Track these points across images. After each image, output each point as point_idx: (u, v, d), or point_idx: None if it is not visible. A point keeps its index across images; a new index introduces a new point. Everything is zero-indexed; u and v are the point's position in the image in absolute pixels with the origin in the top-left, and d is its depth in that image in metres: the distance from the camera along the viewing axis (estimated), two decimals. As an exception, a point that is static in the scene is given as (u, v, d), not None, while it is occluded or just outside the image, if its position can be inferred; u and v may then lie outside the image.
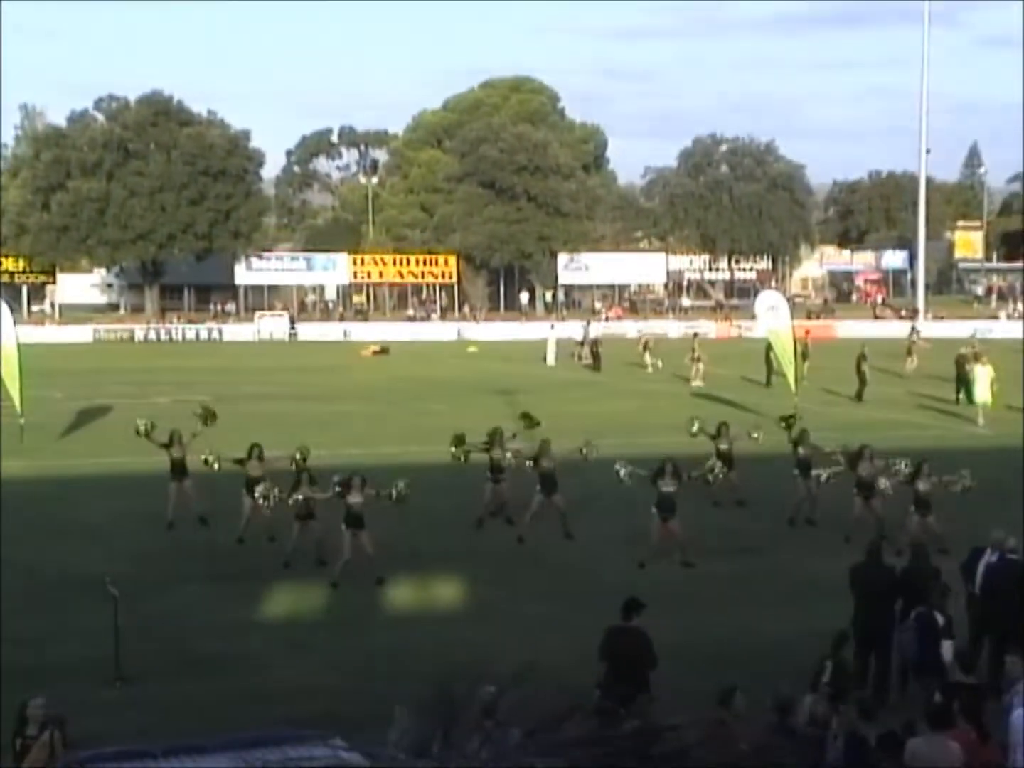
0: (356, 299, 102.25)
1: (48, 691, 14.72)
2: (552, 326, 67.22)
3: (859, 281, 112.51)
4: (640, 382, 51.42)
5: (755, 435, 25.37)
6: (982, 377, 37.45)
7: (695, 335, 54.32)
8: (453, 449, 24.21)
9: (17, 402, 34.14)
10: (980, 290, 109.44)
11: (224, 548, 22.24)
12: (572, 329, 68.13)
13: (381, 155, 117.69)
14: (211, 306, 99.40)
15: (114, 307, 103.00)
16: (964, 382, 42.42)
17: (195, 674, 16.02)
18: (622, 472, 22.15)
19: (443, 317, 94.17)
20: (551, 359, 60.34)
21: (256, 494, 21.62)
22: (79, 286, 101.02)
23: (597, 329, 65.07)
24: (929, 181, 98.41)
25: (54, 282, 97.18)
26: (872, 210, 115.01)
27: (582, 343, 61.06)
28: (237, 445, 24.46)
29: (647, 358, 56.38)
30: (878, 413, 39.95)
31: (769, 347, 45.84)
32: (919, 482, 21.51)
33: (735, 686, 11.34)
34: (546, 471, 23.11)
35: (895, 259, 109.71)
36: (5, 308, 36.84)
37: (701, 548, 21.81)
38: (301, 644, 17.23)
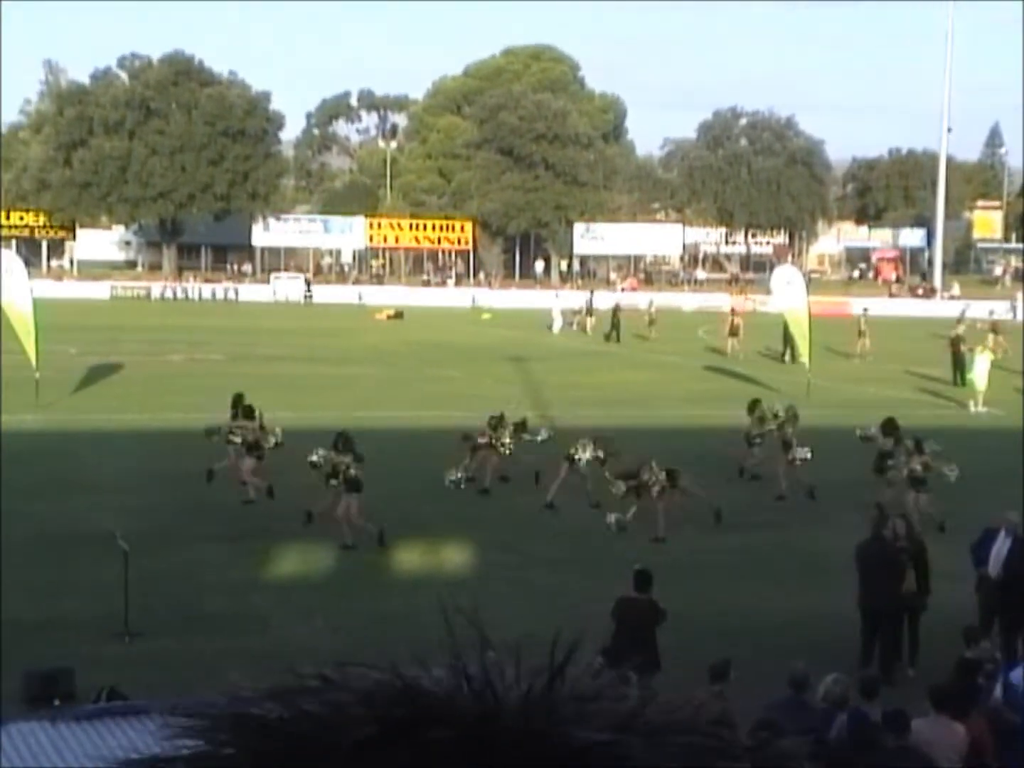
0: (374, 263, 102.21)
1: (56, 645, 14.87)
2: (556, 295, 67.35)
3: (873, 259, 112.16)
4: (651, 353, 51.38)
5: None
6: (981, 364, 37.09)
7: (864, 310, 53.99)
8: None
9: (32, 357, 34.20)
10: (998, 270, 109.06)
11: (234, 507, 22.30)
12: (582, 298, 68.09)
13: (400, 120, 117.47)
14: (228, 266, 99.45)
15: (132, 264, 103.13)
16: (960, 364, 42.33)
17: (202, 631, 16.09)
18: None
19: (458, 283, 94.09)
20: (556, 327, 60.45)
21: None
22: (98, 242, 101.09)
23: (615, 300, 64.76)
24: (949, 160, 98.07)
25: (74, 238, 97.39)
26: (891, 187, 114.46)
27: (588, 312, 61.22)
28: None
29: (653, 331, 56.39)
30: (889, 391, 39.88)
31: (786, 324, 45.89)
32: (913, 460, 21.55)
33: (728, 660, 11.35)
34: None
35: (913, 237, 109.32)
36: (20, 264, 36.92)
37: (707, 521, 21.85)
38: (306, 605, 17.30)
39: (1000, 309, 60.86)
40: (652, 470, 21.14)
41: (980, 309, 76.31)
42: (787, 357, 47.24)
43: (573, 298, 69.37)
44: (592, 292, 68.13)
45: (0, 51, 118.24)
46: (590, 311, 61.57)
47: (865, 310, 53.77)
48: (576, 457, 22.98)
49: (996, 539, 15.78)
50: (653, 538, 20.63)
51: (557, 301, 63.56)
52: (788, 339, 46.62)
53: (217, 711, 1.12)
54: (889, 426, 23.69)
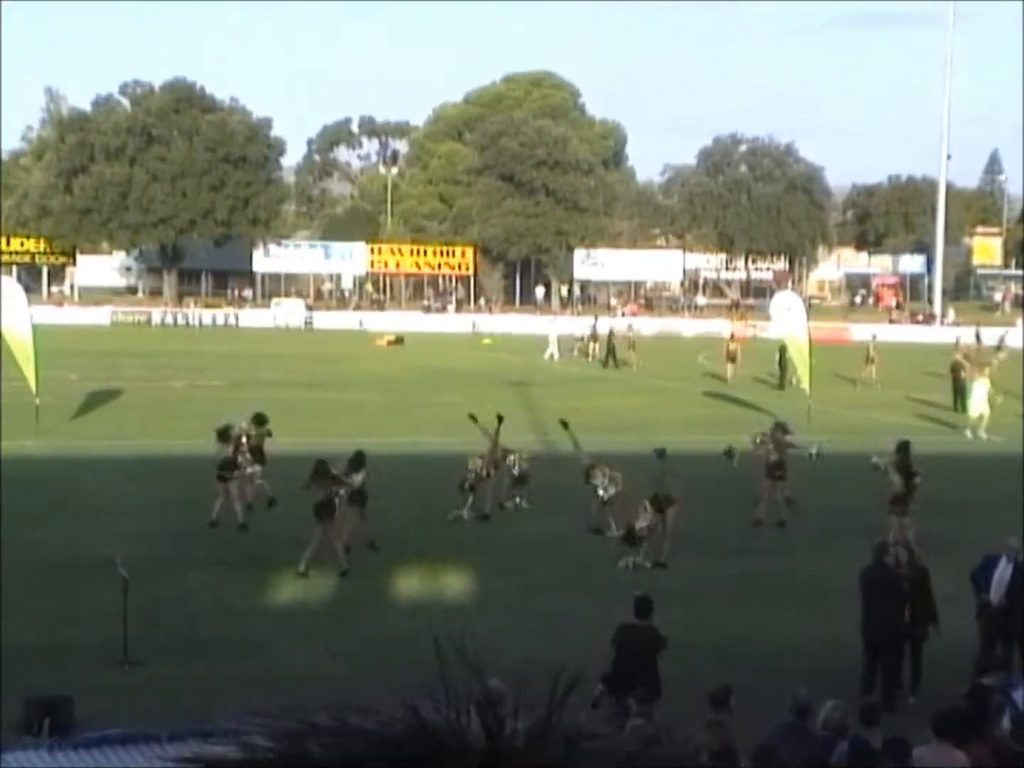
0: (369, 287, 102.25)
1: (55, 672, 14.82)
2: (553, 320, 67.27)
3: (873, 284, 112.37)
4: (651, 378, 51.38)
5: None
6: (979, 390, 36.93)
7: (874, 336, 53.93)
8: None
9: (32, 383, 34.17)
10: (998, 297, 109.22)
11: (233, 533, 22.27)
12: (580, 324, 68.12)
13: (401, 146, 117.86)
14: (228, 292, 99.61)
15: (132, 290, 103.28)
16: (960, 391, 42.17)
17: (201, 658, 16.05)
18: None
19: (459, 309, 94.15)
20: (553, 352, 60.40)
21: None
22: (99, 268, 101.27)
23: (609, 325, 64.66)
24: (949, 187, 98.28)
25: (74, 264, 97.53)
26: (890, 214, 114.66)
27: (593, 338, 61.08)
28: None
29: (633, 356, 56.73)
30: (891, 417, 39.90)
31: (783, 350, 46.07)
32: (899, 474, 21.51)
33: (729, 687, 11.30)
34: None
35: (913, 263, 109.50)
36: (20, 290, 36.94)
37: (714, 547, 21.83)
38: (307, 631, 17.26)
39: (967, 336, 60.56)
40: (646, 511, 21.08)
41: (970, 336, 76.60)
42: (792, 381, 47.32)
43: (571, 324, 69.55)
44: (597, 318, 68.04)
45: (0, 76, 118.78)
46: (595, 337, 61.36)
47: (874, 337, 53.68)
48: (592, 482, 23.01)
49: (997, 565, 15.71)
50: (655, 562, 20.59)
51: (553, 327, 63.52)
52: (784, 365, 46.85)
53: (222, 754, 1.12)
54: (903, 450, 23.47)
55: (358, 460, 21.39)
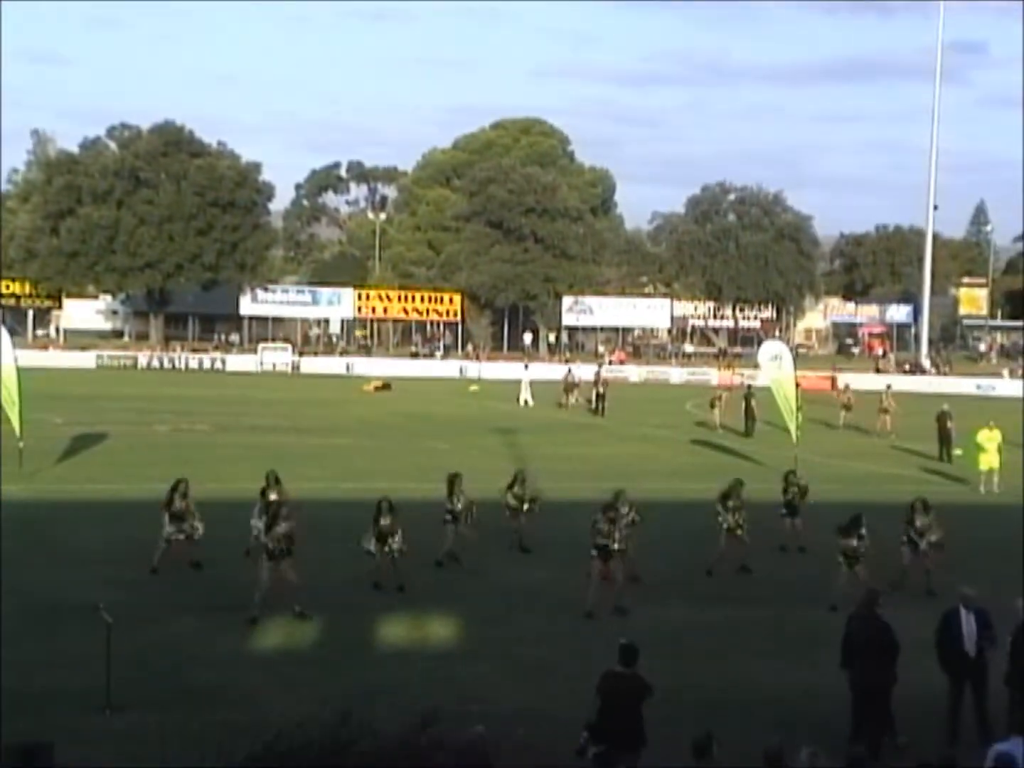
0: (359, 333, 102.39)
1: (36, 718, 14.65)
2: (526, 366, 67.30)
3: (861, 334, 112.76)
4: (638, 426, 51.38)
5: None
6: (991, 445, 36.97)
7: (888, 387, 53.77)
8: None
9: (16, 426, 34.04)
10: (983, 347, 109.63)
11: (218, 579, 22.11)
12: (560, 371, 68.38)
13: (390, 192, 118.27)
14: (215, 336, 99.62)
15: (118, 334, 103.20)
16: (946, 440, 42.24)
17: (184, 705, 15.87)
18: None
19: (446, 355, 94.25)
20: (527, 398, 60.42)
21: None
22: (84, 312, 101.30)
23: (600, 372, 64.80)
24: (935, 237, 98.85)
25: (60, 307, 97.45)
26: (877, 264, 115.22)
27: (595, 384, 61.03)
28: (235, 476, 24.51)
29: (570, 399, 59.59)
30: (876, 467, 39.92)
31: (747, 397, 46.86)
32: (851, 537, 21.30)
33: (711, 735, 11.18)
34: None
35: (899, 313, 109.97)
36: (5, 333, 36.82)
37: (697, 595, 21.74)
38: (292, 678, 17.10)
39: (985, 385, 60.48)
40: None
41: (966, 386, 76.78)
42: (755, 428, 47.58)
43: (547, 371, 70.28)
44: (600, 365, 68.18)
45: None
46: (596, 383, 61.16)
47: (888, 387, 53.52)
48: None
49: (960, 619, 15.46)
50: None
51: (526, 373, 63.68)
52: (749, 412, 47.72)
53: None
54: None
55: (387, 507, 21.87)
